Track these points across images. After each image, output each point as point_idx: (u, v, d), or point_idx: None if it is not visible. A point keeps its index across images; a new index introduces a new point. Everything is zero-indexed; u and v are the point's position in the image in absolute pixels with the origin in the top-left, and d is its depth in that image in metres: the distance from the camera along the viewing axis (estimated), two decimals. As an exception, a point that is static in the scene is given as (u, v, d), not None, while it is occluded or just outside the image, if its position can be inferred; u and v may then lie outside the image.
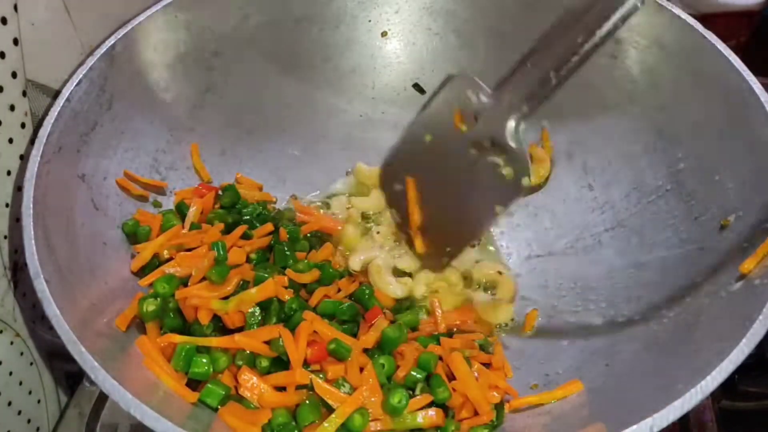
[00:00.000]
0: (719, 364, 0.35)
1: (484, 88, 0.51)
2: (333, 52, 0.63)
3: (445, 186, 0.54)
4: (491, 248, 0.59)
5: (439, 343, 0.46)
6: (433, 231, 0.55)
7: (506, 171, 0.49)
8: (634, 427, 0.34)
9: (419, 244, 0.56)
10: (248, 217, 0.53)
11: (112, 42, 0.50)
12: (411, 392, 0.42)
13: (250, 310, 0.44)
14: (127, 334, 0.43)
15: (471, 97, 0.51)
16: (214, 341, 0.42)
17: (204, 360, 0.41)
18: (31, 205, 0.41)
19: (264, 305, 0.45)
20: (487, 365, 0.47)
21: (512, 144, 0.48)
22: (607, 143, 0.57)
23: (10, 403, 0.50)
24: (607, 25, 0.44)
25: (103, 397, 0.52)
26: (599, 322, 0.49)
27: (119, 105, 0.51)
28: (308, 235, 0.56)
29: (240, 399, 0.41)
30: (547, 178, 0.59)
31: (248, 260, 0.49)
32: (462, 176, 0.52)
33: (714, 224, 0.46)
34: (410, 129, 0.58)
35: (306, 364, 0.42)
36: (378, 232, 0.58)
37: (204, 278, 0.45)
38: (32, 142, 0.48)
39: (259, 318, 0.44)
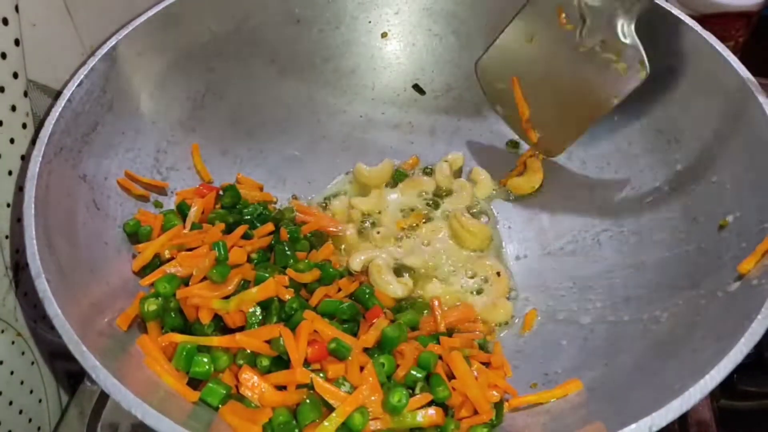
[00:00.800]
0: (718, 364, 0.35)
1: None
2: (333, 52, 0.63)
3: (554, 83, 0.55)
4: (499, 247, 0.59)
5: (438, 343, 0.46)
6: (544, 121, 0.57)
7: (620, 66, 0.50)
8: (633, 426, 0.34)
9: (532, 134, 0.58)
10: (249, 217, 0.53)
11: (114, 43, 0.51)
12: (411, 391, 0.42)
13: (250, 310, 0.44)
14: (128, 334, 0.43)
15: None
16: (215, 341, 0.42)
17: (205, 359, 0.41)
18: (33, 205, 0.41)
19: (265, 305, 0.45)
20: (487, 364, 0.47)
21: (626, 41, 0.50)
22: (606, 143, 0.57)
23: (11, 403, 0.50)
24: None
25: (104, 397, 0.52)
26: (598, 322, 0.49)
27: (120, 105, 0.52)
28: (309, 234, 0.56)
29: (241, 398, 0.41)
30: (538, 188, 0.60)
31: (249, 260, 0.49)
32: (572, 73, 0.53)
33: (712, 225, 0.46)
34: (508, 33, 0.57)
35: (306, 363, 0.42)
36: (378, 233, 0.58)
37: (205, 278, 0.45)
38: (33, 142, 0.48)
39: (260, 317, 0.44)
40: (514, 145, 0.63)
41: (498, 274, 0.55)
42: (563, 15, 0.53)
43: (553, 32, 0.54)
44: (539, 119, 0.57)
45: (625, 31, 0.50)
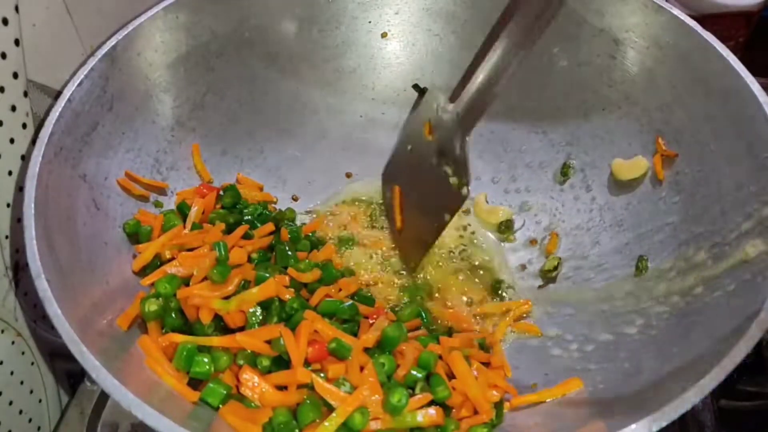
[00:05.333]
0: (718, 364, 0.35)
1: (442, 101, 0.54)
2: (333, 52, 0.63)
3: (417, 193, 0.57)
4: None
5: (438, 343, 0.46)
6: (408, 235, 0.58)
7: (453, 180, 0.52)
8: (633, 426, 0.34)
9: (399, 247, 0.59)
10: (249, 217, 0.53)
11: (114, 43, 0.50)
12: (411, 391, 0.42)
13: (251, 310, 0.44)
14: (129, 334, 0.43)
15: (435, 109, 0.54)
16: (216, 341, 0.42)
17: (205, 359, 0.41)
18: (33, 205, 0.41)
19: (265, 305, 0.45)
20: (487, 364, 0.47)
21: (457, 153, 0.51)
22: (606, 143, 0.57)
23: (11, 403, 0.50)
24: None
25: (104, 397, 0.52)
26: (598, 322, 0.49)
27: (120, 105, 0.52)
28: (310, 234, 0.56)
29: (241, 398, 0.41)
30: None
31: (249, 260, 0.49)
32: (427, 183, 0.55)
33: (713, 224, 0.46)
34: (398, 141, 0.61)
35: (307, 363, 0.42)
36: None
37: (205, 278, 0.45)
38: (33, 142, 0.48)
39: (260, 317, 0.44)
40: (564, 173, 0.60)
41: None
42: (427, 127, 0.55)
43: (421, 142, 0.56)
44: (405, 232, 0.58)
45: (459, 145, 0.51)
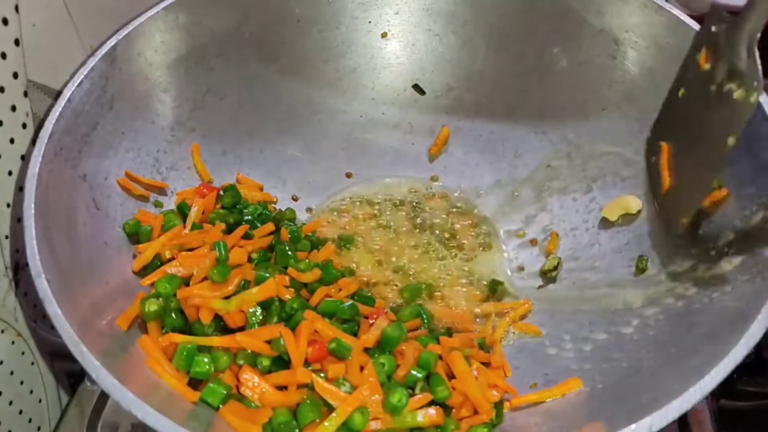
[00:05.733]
0: (718, 364, 0.35)
1: (724, 16, 0.48)
2: (333, 52, 0.63)
3: (692, 138, 0.50)
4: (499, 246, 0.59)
5: (438, 343, 0.46)
6: (676, 192, 0.51)
7: (738, 93, 0.45)
8: (633, 426, 0.34)
9: (663, 209, 0.52)
10: (249, 217, 0.53)
11: (114, 43, 0.50)
12: (411, 391, 0.42)
13: (251, 310, 0.44)
14: (129, 334, 0.43)
15: (714, 31, 0.49)
16: (216, 341, 0.42)
17: (205, 359, 0.41)
18: (33, 205, 0.41)
19: (265, 305, 0.45)
20: (487, 364, 0.47)
21: (742, 65, 0.46)
22: (607, 144, 0.57)
23: (11, 403, 0.50)
24: None
25: (104, 397, 0.52)
26: (598, 322, 0.49)
27: (120, 105, 0.52)
28: (310, 234, 0.56)
29: (241, 398, 0.41)
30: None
31: (249, 260, 0.49)
32: (706, 120, 0.49)
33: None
34: (668, 95, 0.54)
35: (307, 363, 0.42)
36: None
37: (205, 278, 0.45)
38: (33, 142, 0.48)
39: (260, 317, 0.44)
40: None
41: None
42: (704, 55, 0.49)
43: (695, 77, 0.50)
44: (674, 190, 0.51)
45: (744, 54, 0.46)
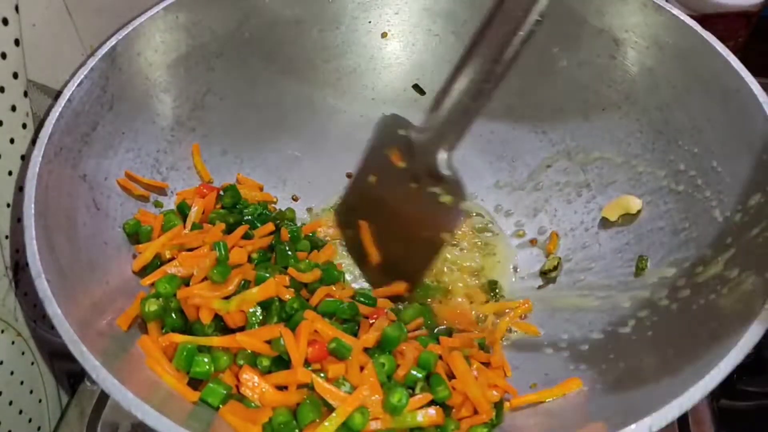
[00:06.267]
0: (718, 364, 0.35)
1: (411, 124, 0.54)
2: (333, 52, 0.63)
3: (394, 222, 0.55)
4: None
5: (438, 343, 0.46)
6: (389, 267, 0.56)
7: (445, 198, 0.52)
8: (633, 426, 0.34)
9: (378, 282, 0.56)
10: (249, 217, 0.53)
11: (114, 43, 0.50)
12: (411, 391, 0.42)
13: (251, 310, 0.44)
14: (129, 334, 0.43)
15: (403, 134, 0.54)
16: (216, 341, 0.42)
17: (205, 359, 0.41)
18: (33, 205, 0.41)
19: (265, 305, 0.45)
20: (487, 364, 0.47)
21: (446, 172, 0.51)
22: (607, 143, 0.57)
23: (11, 403, 0.50)
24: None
25: (104, 397, 0.52)
26: (598, 321, 0.49)
27: (120, 105, 0.52)
28: (309, 235, 0.56)
29: (241, 398, 0.41)
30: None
31: (249, 260, 0.49)
32: (408, 210, 0.54)
33: (714, 225, 0.46)
34: (356, 175, 0.59)
35: (307, 363, 0.42)
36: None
37: (205, 278, 0.45)
38: (33, 142, 0.48)
39: (260, 317, 0.44)
40: None
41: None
42: (395, 154, 0.54)
43: (389, 170, 0.54)
44: (385, 265, 0.56)
45: (447, 163, 0.51)
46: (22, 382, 0.51)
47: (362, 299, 0.50)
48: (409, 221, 0.54)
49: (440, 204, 0.52)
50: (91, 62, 0.49)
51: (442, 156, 0.52)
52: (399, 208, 0.54)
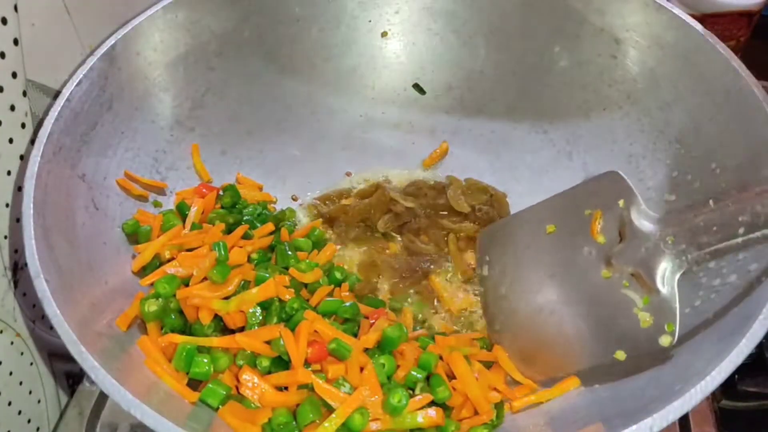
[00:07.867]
0: (719, 364, 0.35)
1: (642, 207, 0.44)
2: (333, 52, 0.63)
3: (550, 287, 0.46)
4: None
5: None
6: (524, 336, 0.47)
7: (642, 315, 0.41)
8: (634, 427, 0.34)
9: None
10: (249, 217, 0.53)
11: (113, 42, 0.50)
12: (411, 392, 0.42)
13: (251, 310, 0.44)
14: (128, 334, 0.43)
15: (621, 208, 0.44)
16: (215, 341, 0.42)
17: (205, 360, 0.41)
18: (32, 205, 0.41)
19: (265, 305, 0.45)
20: (488, 365, 0.47)
21: (661, 288, 0.41)
22: (607, 143, 0.57)
23: (10, 403, 0.50)
24: None
25: (103, 397, 0.52)
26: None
27: (119, 105, 0.51)
28: (310, 234, 0.56)
29: (241, 398, 0.41)
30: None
31: (249, 260, 0.49)
32: (581, 288, 0.44)
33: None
34: (533, 207, 0.51)
35: (307, 363, 0.42)
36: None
37: (205, 278, 0.45)
38: (32, 142, 0.48)
39: (260, 318, 0.44)
40: None
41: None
42: (598, 223, 0.44)
43: (580, 234, 0.45)
44: (519, 328, 0.47)
45: (666, 278, 0.41)
46: (21, 383, 0.51)
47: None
48: (574, 299, 0.44)
49: (631, 316, 0.42)
50: (90, 62, 0.49)
51: (664, 266, 0.41)
52: (568, 278, 0.44)
